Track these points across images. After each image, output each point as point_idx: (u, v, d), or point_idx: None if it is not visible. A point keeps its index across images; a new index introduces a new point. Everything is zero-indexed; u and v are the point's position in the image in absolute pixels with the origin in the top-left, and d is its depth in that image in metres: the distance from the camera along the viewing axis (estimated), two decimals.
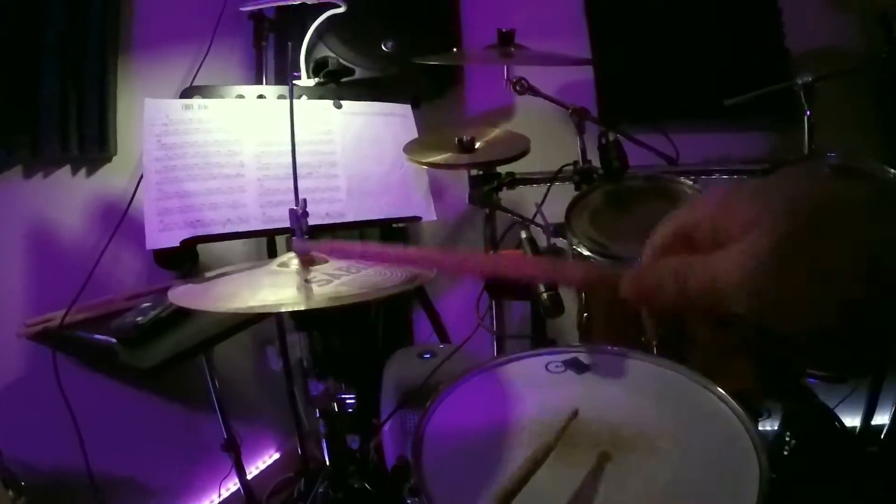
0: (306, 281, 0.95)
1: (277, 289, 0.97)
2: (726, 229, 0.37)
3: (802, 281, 0.34)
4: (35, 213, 1.71)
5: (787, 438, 1.44)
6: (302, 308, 0.89)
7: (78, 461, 1.51)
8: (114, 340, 1.31)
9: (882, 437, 1.63)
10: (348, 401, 1.25)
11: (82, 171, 1.78)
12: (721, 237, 0.37)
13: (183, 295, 1.00)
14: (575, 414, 0.93)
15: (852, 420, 1.59)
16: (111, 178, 1.81)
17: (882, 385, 1.53)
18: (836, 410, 1.57)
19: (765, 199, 0.36)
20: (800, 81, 1.61)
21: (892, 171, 1.32)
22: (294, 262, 1.01)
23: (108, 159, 1.80)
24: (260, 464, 2.25)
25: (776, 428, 1.44)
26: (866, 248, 0.33)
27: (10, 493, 1.45)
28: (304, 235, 1.00)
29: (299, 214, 0.99)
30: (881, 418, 1.60)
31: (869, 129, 2.07)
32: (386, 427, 1.52)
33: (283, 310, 0.96)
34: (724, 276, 0.36)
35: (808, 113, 1.61)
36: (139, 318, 1.33)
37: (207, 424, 1.80)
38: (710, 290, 0.36)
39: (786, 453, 1.43)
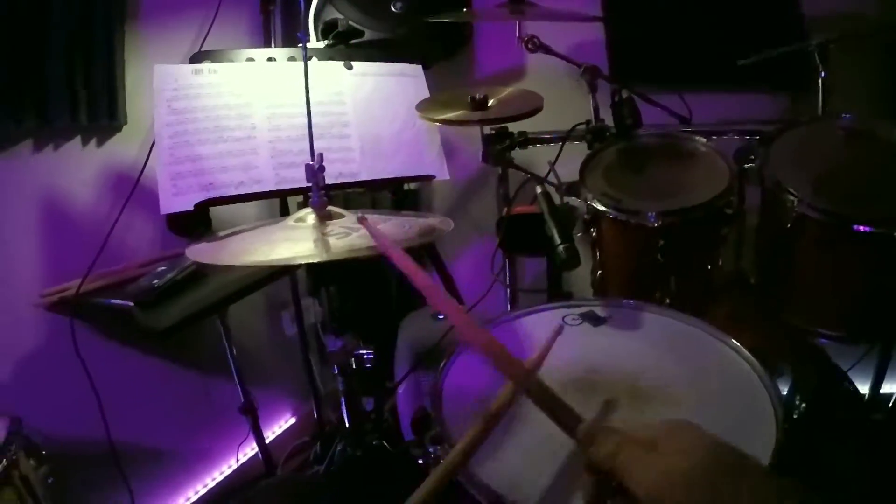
0: (323, 234, 0.95)
1: (294, 243, 0.97)
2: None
3: None
4: (47, 185, 1.71)
5: (797, 402, 1.45)
6: (319, 260, 0.89)
7: (97, 428, 1.53)
8: (131, 304, 1.32)
9: (890, 405, 1.62)
10: (366, 356, 1.26)
11: (93, 142, 1.78)
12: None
13: (200, 252, 1.01)
14: (560, 330, 0.96)
15: (862, 387, 1.59)
16: (121, 148, 1.81)
17: (891, 352, 1.53)
18: (849, 374, 1.57)
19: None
20: (814, 42, 1.59)
21: None
22: (311, 217, 1.02)
23: (118, 129, 1.79)
24: (276, 429, 2.28)
25: (786, 392, 1.44)
26: None
27: (32, 462, 1.47)
28: (321, 191, 0.99)
29: (316, 169, 0.99)
30: (890, 386, 1.60)
31: (884, 92, 2.04)
32: (400, 389, 1.53)
33: (300, 261, 0.97)
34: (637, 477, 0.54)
35: (823, 75, 1.60)
36: (155, 281, 1.34)
37: (224, 391, 1.82)
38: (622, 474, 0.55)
39: (795, 417, 1.43)
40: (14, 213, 1.66)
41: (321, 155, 1.01)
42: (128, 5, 1.79)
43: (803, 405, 1.44)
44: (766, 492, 0.51)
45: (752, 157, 1.45)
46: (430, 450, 0.88)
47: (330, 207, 1.01)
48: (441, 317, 1.51)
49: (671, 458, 0.54)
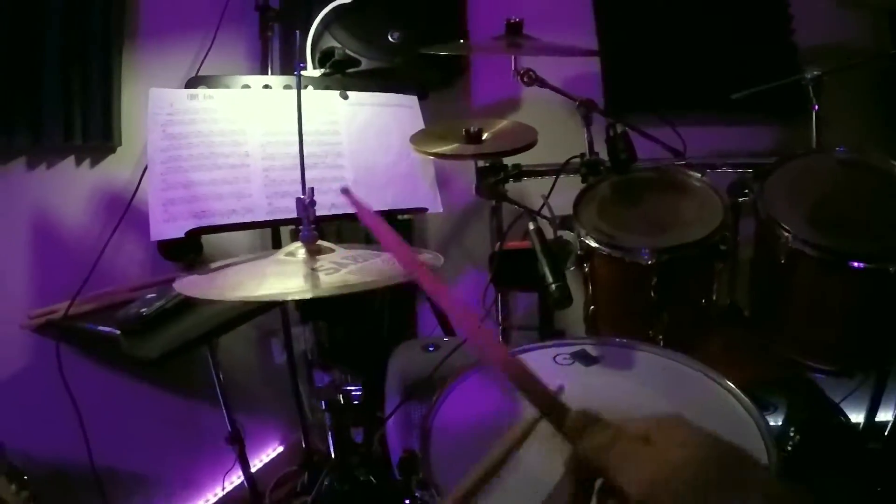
0: (313, 270, 0.94)
1: (284, 278, 0.96)
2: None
3: None
4: (39, 204, 1.70)
5: (791, 434, 1.44)
6: (309, 296, 0.88)
7: (81, 454, 1.50)
8: (117, 332, 1.30)
9: (885, 433, 1.62)
10: (353, 392, 1.24)
11: (86, 162, 1.78)
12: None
13: (188, 285, 1.00)
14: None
15: (857, 415, 1.58)
16: (115, 169, 1.80)
17: (887, 382, 1.52)
18: (841, 405, 1.56)
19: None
20: (808, 76, 1.61)
21: None
22: (301, 251, 1.01)
23: (113, 150, 1.79)
24: (263, 457, 2.25)
25: (780, 423, 1.43)
26: None
27: (13, 486, 1.44)
28: (311, 225, 0.99)
29: (307, 203, 0.98)
30: (885, 415, 1.59)
31: (877, 123, 2.06)
32: (390, 421, 1.51)
33: (289, 298, 0.95)
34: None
35: (816, 107, 1.61)
36: (143, 309, 1.32)
37: (211, 417, 1.79)
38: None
39: (789, 448, 1.42)
40: (4, 231, 1.65)
41: (312, 189, 1.00)
42: (126, 25, 1.79)
43: (797, 437, 1.43)
44: (775, 491, 0.47)
45: (746, 190, 1.45)
46: (418, 494, 0.86)
47: (320, 242, 1.00)
48: (432, 348, 1.49)
49: (668, 451, 0.49)
